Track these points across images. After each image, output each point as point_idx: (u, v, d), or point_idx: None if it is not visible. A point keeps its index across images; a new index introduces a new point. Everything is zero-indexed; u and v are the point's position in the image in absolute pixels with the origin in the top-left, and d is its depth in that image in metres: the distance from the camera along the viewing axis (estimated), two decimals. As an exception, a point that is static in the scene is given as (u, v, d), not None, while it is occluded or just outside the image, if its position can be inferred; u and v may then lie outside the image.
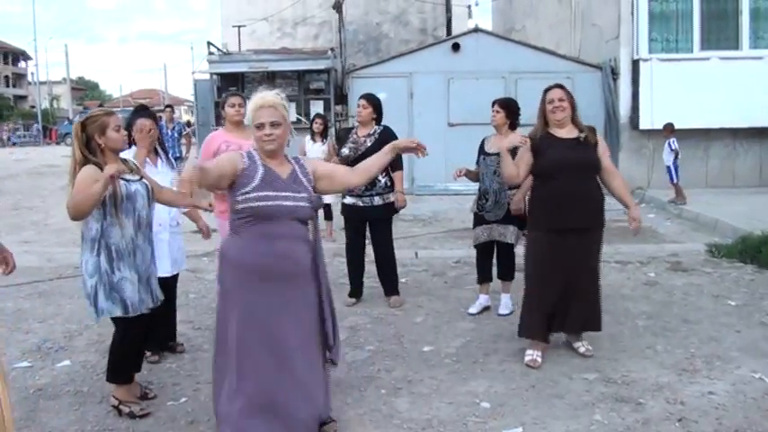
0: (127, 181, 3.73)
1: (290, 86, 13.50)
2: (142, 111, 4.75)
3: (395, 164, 5.98)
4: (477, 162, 5.66)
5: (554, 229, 4.40)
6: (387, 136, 5.81)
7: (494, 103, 5.56)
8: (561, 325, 4.58)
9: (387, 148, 3.52)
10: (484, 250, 5.66)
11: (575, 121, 4.53)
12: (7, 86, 73.32)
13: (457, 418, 3.74)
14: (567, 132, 4.50)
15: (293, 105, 13.39)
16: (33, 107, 61.57)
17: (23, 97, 74.41)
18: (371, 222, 6.00)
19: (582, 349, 4.61)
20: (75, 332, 5.28)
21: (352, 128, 6.19)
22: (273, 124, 3.32)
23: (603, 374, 4.27)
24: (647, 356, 4.58)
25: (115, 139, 3.70)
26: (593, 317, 4.60)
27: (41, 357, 4.86)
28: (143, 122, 4.51)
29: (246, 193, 3.24)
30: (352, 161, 5.74)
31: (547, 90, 4.55)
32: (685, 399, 3.89)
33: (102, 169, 3.57)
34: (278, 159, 3.40)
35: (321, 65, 13.15)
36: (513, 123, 5.51)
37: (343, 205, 6.04)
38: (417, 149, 3.44)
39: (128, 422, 3.78)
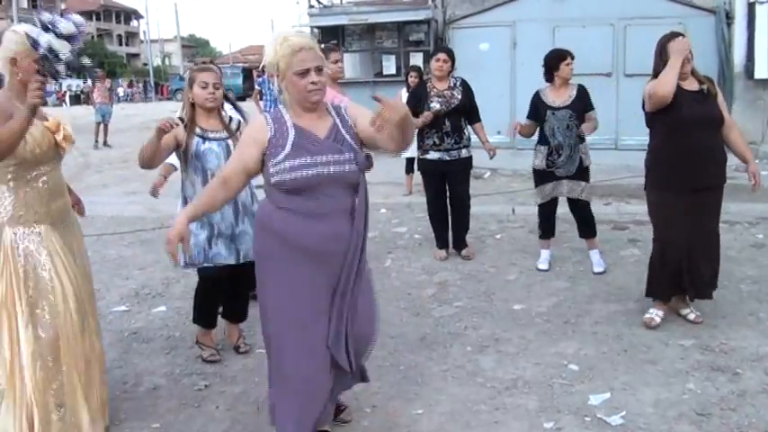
0: (202, 138, 3.77)
1: (389, 39, 13.41)
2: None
3: (472, 117, 6.01)
4: (534, 117, 5.53)
5: (685, 188, 4.17)
6: (468, 88, 5.97)
7: (567, 55, 5.40)
8: (688, 285, 4.34)
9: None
10: (549, 206, 5.61)
11: (693, 71, 4.24)
12: (120, 45, 76.65)
13: (543, 379, 3.70)
14: (689, 84, 4.21)
15: (393, 57, 13.32)
16: (146, 64, 64.11)
17: (136, 55, 77.53)
18: (452, 175, 5.98)
19: (692, 316, 4.38)
20: (173, 280, 5.54)
21: (426, 81, 6.15)
22: (318, 69, 2.73)
23: (701, 341, 4.10)
24: (748, 324, 4.36)
25: (197, 95, 3.75)
26: (711, 284, 4.36)
27: (138, 302, 5.17)
28: None
29: (278, 163, 2.73)
30: (443, 115, 5.73)
31: (669, 39, 4.15)
32: (787, 371, 3.69)
33: (185, 126, 3.73)
34: (316, 112, 2.84)
35: (421, 15, 12.93)
36: None
37: (426, 161, 5.99)
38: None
39: (216, 367, 3.98)
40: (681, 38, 4.17)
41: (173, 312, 4.86)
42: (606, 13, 12.16)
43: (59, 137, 3.03)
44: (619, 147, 11.44)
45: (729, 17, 11.82)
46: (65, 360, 3.00)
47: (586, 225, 5.62)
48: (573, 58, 5.42)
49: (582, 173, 5.47)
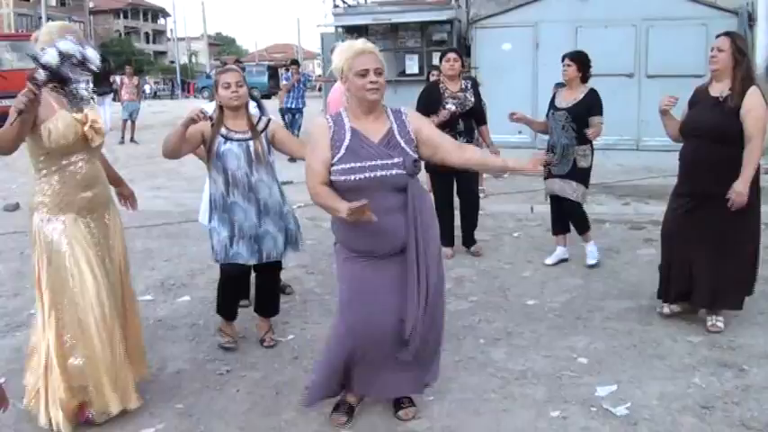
0: (224, 138, 3.86)
1: (412, 38, 13.51)
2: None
3: (480, 119, 6.12)
4: (547, 115, 5.67)
5: (681, 192, 4.33)
6: (477, 88, 6.11)
7: (564, 57, 5.52)
8: (689, 295, 4.38)
9: (503, 164, 3.29)
10: (555, 202, 5.75)
11: (735, 76, 4.06)
12: (147, 43, 77.53)
13: (552, 371, 3.80)
14: (719, 89, 4.15)
15: (415, 57, 13.42)
16: (173, 62, 64.80)
17: (163, 53, 78.36)
18: (462, 175, 6.00)
19: (708, 323, 4.30)
20: (198, 271, 5.71)
21: (438, 83, 6.16)
22: (378, 71, 2.99)
23: (709, 338, 4.18)
24: (758, 322, 4.43)
25: (222, 96, 3.88)
26: (726, 290, 4.26)
27: (164, 292, 5.34)
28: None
29: (333, 164, 2.98)
30: (458, 116, 5.83)
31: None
32: (793, 368, 3.76)
33: (213, 124, 3.86)
34: (374, 114, 3.07)
35: (444, 15, 13.04)
36: (585, 76, 5.51)
37: None
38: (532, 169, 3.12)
39: (237, 354, 4.13)
40: (722, 37, 4.14)
41: (197, 302, 5.02)
42: (629, 13, 12.14)
43: (87, 129, 3.17)
44: (640, 147, 11.43)
45: (752, 18, 11.75)
46: (86, 348, 3.16)
47: (575, 223, 5.77)
48: (574, 60, 5.44)
49: (574, 173, 5.49)
